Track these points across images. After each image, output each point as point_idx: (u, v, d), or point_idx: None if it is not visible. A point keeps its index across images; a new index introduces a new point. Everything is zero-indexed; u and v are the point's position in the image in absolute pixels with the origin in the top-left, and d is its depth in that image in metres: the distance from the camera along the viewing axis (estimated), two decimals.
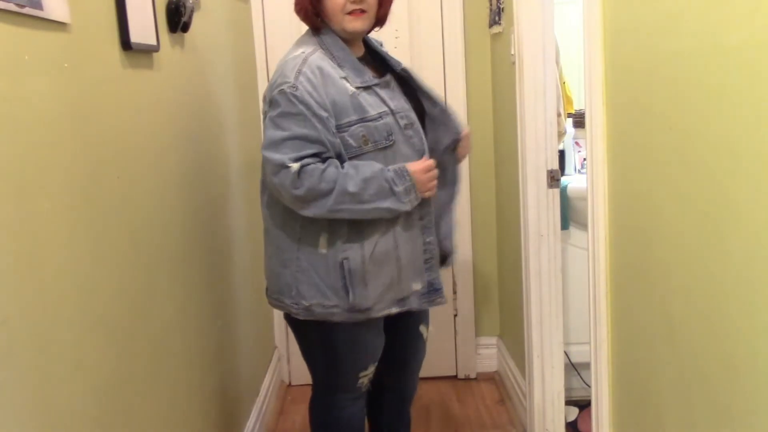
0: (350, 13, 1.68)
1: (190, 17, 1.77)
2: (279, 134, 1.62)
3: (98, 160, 1.24)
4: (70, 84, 1.15)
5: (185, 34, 1.81)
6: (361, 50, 1.81)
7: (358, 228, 1.71)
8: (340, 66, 1.69)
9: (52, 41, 1.10)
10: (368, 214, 1.67)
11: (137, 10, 1.42)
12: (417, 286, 1.80)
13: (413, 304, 1.81)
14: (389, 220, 1.73)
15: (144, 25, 1.47)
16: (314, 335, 1.84)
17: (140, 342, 1.40)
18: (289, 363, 3.14)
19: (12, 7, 0.96)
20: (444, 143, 1.86)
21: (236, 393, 2.26)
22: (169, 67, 1.69)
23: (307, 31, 1.78)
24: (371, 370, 1.91)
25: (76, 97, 1.17)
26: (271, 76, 2.96)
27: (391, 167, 1.67)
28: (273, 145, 1.63)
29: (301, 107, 1.60)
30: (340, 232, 1.71)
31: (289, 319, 1.86)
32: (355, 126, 1.65)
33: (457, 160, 1.92)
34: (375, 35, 1.90)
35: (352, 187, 1.62)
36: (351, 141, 1.65)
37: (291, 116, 1.61)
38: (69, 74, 1.15)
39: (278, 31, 2.91)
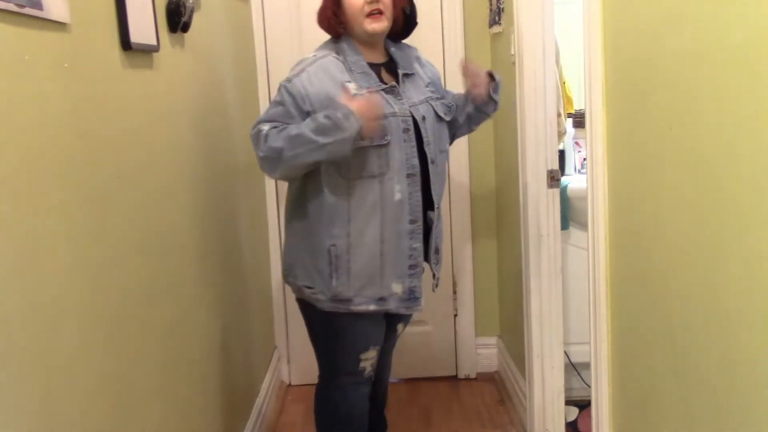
0: (369, 15, 1.84)
1: (190, 17, 1.77)
2: (264, 114, 1.87)
3: (98, 160, 1.24)
4: (70, 84, 1.15)
5: (185, 34, 1.81)
6: (381, 57, 1.96)
7: (348, 218, 1.85)
8: (350, 70, 1.86)
9: (52, 41, 1.10)
10: (317, 153, 1.74)
11: (137, 10, 1.42)
12: (398, 288, 1.91)
13: (391, 305, 1.92)
14: (379, 215, 1.84)
15: (144, 25, 1.47)
16: (316, 314, 1.96)
17: (140, 342, 1.40)
18: (289, 363, 3.14)
19: (12, 7, 0.96)
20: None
21: (236, 393, 2.26)
22: (169, 67, 1.69)
23: (330, 38, 1.95)
24: (373, 354, 2.01)
25: (76, 97, 1.17)
26: (271, 75, 3.01)
27: (319, 116, 1.74)
28: (258, 119, 1.87)
29: (287, 98, 1.82)
30: (335, 222, 1.85)
31: (297, 299, 2.03)
32: None
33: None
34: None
35: (295, 131, 1.76)
36: None
37: (277, 104, 1.85)
38: (69, 74, 1.15)
39: (278, 31, 2.91)
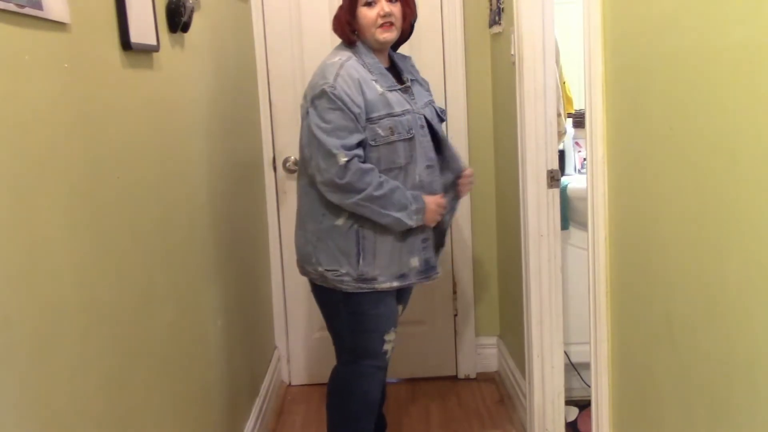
0: (381, 26, 2.00)
1: (190, 17, 1.77)
2: (327, 126, 1.94)
3: (98, 160, 1.24)
4: (70, 84, 1.15)
5: (185, 34, 1.81)
6: (386, 63, 2.11)
7: None
8: (370, 71, 2.01)
9: (52, 41, 1.10)
10: (381, 218, 1.97)
11: (137, 10, 1.42)
12: (415, 262, 2.07)
13: (412, 279, 2.08)
14: None
15: (144, 25, 1.47)
16: (338, 298, 2.06)
17: (140, 342, 1.40)
18: (289, 363, 3.14)
19: (12, 7, 0.96)
20: (448, 181, 2.16)
21: (236, 393, 2.26)
22: (169, 67, 1.69)
23: (341, 43, 2.08)
24: (393, 336, 2.12)
25: (76, 97, 1.17)
26: (271, 75, 3.00)
27: (410, 192, 1.99)
28: (324, 132, 1.94)
29: (339, 103, 1.93)
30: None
31: (315, 288, 2.12)
32: (385, 119, 1.97)
33: (457, 196, 2.21)
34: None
35: (378, 193, 1.93)
36: (380, 131, 1.96)
37: (333, 111, 1.94)
38: (69, 74, 1.15)
39: (278, 31, 2.91)
